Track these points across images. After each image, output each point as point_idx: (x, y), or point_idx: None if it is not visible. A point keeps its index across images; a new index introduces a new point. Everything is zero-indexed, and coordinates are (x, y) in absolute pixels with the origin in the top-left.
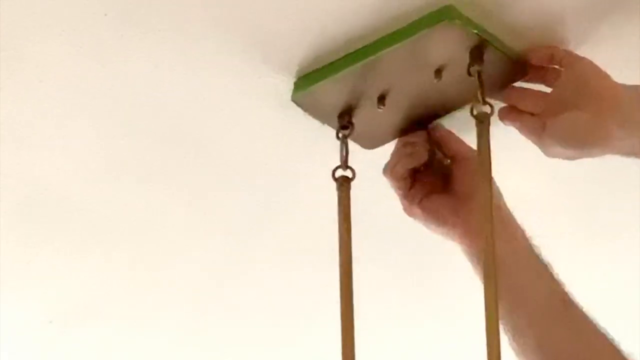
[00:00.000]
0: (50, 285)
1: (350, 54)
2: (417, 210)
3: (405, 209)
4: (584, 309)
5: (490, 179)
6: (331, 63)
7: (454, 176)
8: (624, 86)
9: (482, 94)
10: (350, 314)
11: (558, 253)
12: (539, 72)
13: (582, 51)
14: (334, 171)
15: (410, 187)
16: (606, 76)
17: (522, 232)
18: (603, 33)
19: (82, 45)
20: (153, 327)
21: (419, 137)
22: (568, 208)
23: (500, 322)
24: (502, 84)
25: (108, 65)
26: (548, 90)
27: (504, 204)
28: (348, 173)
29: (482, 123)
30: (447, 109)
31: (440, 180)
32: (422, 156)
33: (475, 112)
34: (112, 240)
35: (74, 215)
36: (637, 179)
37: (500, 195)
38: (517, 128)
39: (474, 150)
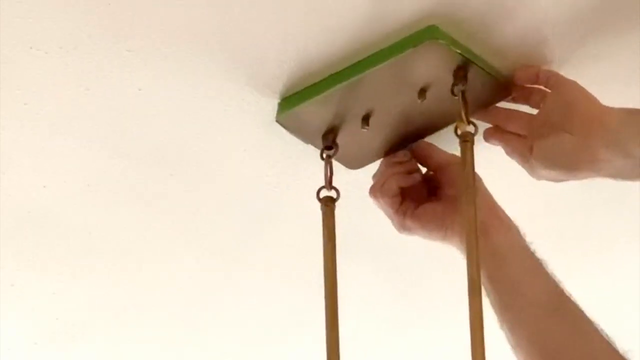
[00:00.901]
0: (35, 306)
1: (334, 74)
2: (411, 222)
3: (397, 225)
4: (579, 305)
5: (474, 198)
6: (315, 84)
7: (441, 183)
8: (611, 108)
9: (466, 113)
10: (336, 331)
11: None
12: (524, 93)
13: (565, 70)
14: (318, 191)
15: (401, 203)
16: (593, 98)
17: (517, 229)
18: (586, 52)
19: (67, 67)
20: (139, 347)
21: (405, 156)
22: (558, 222)
23: (497, 317)
24: (486, 104)
25: (93, 87)
26: (533, 111)
27: (496, 202)
28: (332, 193)
29: (466, 142)
30: (431, 129)
31: (426, 189)
32: (415, 176)
33: (459, 132)
34: (97, 261)
35: (59, 236)
36: (626, 190)
37: (490, 194)
38: (503, 148)
39: (456, 156)
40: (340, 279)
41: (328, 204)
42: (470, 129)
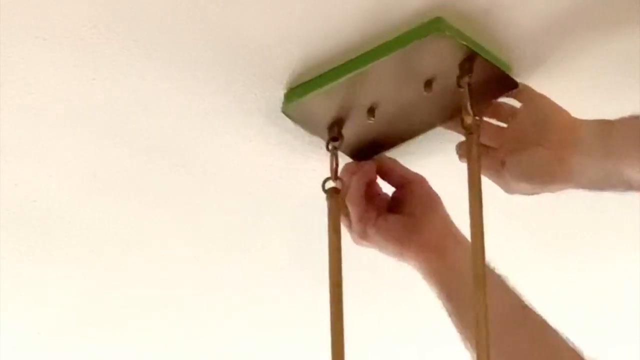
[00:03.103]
0: (38, 297)
1: (340, 66)
2: (372, 231)
3: (357, 232)
4: (543, 317)
5: (480, 190)
6: (321, 75)
7: (404, 200)
8: (582, 120)
9: (472, 105)
10: (340, 324)
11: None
12: (493, 107)
13: (571, 62)
14: (324, 183)
15: (365, 210)
16: (564, 111)
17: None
18: (592, 44)
19: (71, 57)
20: (140, 338)
21: (370, 166)
22: (557, 220)
23: (460, 336)
24: (492, 96)
25: (96, 77)
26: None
27: (452, 222)
28: (338, 184)
29: (472, 135)
30: (436, 121)
31: (387, 203)
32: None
33: (464, 124)
34: (99, 252)
35: (62, 227)
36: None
37: (447, 215)
38: None
39: (419, 175)
40: (345, 270)
41: (333, 195)
42: (476, 121)
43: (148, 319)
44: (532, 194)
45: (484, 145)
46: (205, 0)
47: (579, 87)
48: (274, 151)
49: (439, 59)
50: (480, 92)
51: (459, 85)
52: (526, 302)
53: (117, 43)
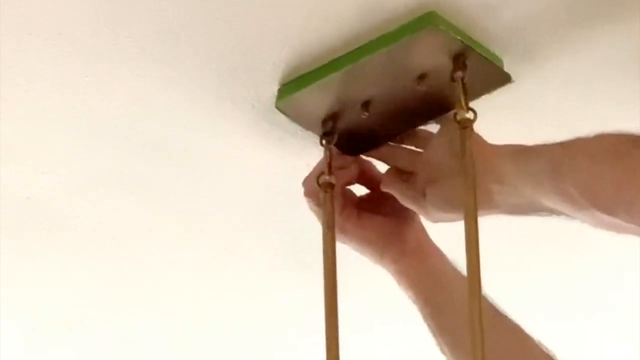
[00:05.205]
0: (33, 294)
1: (334, 60)
2: (352, 227)
3: (337, 228)
4: (516, 322)
5: (474, 185)
6: (315, 70)
7: (382, 202)
8: (497, 147)
9: (465, 100)
10: (335, 320)
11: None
12: (409, 134)
13: (565, 57)
14: (318, 177)
15: (344, 206)
16: (479, 138)
17: (447, 257)
18: (586, 37)
19: (66, 54)
20: (136, 336)
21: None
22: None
23: (436, 340)
24: (485, 90)
25: (92, 74)
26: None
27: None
28: (332, 179)
29: (465, 129)
30: (430, 115)
31: (368, 201)
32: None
33: (458, 118)
34: (95, 250)
35: (58, 228)
36: None
37: (423, 226)
38: (397, 196)
39: None
40: (339, 267)
41: (327, 190)
42: (470, 115)
43: (143, 317)
44: (456, 220)
45: (403, 172)
46: None
47: (571, 82)
48: (267, 147)
49: (432, 53)
50: (474, 87)
51: (453, 80)
52: (499, 309)
53: (111, 40)
